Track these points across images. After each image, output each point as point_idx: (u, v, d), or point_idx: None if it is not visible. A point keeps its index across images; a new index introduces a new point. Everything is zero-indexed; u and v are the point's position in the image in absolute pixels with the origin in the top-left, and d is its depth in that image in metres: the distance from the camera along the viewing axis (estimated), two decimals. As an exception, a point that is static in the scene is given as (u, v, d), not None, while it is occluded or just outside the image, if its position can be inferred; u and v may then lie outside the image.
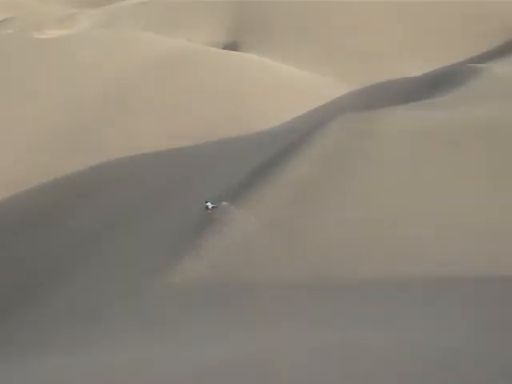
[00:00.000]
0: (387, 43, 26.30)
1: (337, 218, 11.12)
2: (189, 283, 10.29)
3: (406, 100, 17.00)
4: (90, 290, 11.61)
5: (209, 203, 12.00)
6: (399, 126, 13.13)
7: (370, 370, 6.46)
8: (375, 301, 8.97)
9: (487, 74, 17.70)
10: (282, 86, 22.08)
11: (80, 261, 13.22)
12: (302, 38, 27.01)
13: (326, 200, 11.60)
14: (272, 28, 27.65)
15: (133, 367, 7.32)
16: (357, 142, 12.85)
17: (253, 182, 12.53)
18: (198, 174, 15.34)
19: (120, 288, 11.03)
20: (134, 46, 23.23)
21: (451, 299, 8.73)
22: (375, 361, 6.59)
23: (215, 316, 9.32)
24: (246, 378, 6.61)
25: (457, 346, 6.88)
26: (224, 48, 26.67)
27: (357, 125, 13.36)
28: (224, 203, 11.82)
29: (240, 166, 14.41)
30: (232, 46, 26.95)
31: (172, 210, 13.56)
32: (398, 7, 27.71)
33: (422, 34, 26.51)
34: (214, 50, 24.84)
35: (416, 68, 22.85)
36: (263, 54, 25.31)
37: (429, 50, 25.86)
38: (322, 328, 8.01)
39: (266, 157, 13.70)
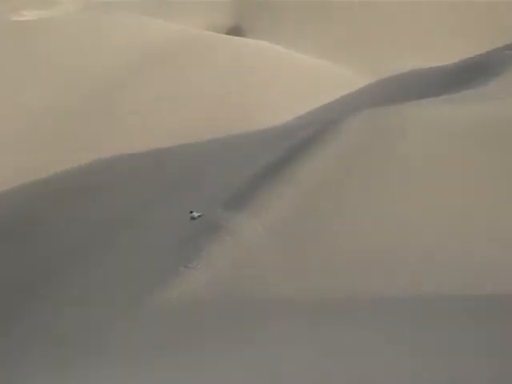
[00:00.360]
0: (413, 32, 26.52)
1: (354, 227, 10.95)
2: (185, 300, 10.16)
3: (435, 93, 16.70)
4: (77, 308, 11.56)
5: (194, 213, 12.07)
6: (425, 124, 12.94)
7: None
8: (391, 324, 8.84)
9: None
10: (296, 76, 21.98)
11: (64, 273, 13.16)
12: (317, 22, 27.20)
13: (342, 207, 11.46)
14: (281, 11, 27.81)
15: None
16: (377, 141, 12.68)
17: (260, 184, 12.46)
18: (198, 176, 15.22)
19: (113, 306, 10.91)
20: (130, 31, 23.07)
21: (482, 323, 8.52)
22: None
23: (214, 336, 9.28)
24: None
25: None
26: (227, 33, 26.46)
27: (377, 121, 13.22)
28: (222, 210, 11.86)
29: (246, 166, 14.32)
30: (236, 31, 26.87)
31: (169, 216, 13.42)
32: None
33: (453, 22, 26.64)
34: (217, 35, 24.62)
35: (446, 58, 22.80)
36: (271, 40, 25.14)
37: (461, 38, 25.83)
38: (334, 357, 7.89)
39: (276, 156, 13.61)
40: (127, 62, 20.63)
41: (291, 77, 22.02)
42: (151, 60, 20.81)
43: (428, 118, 13.20)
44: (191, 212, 12.13)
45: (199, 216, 12.10)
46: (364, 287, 9.75)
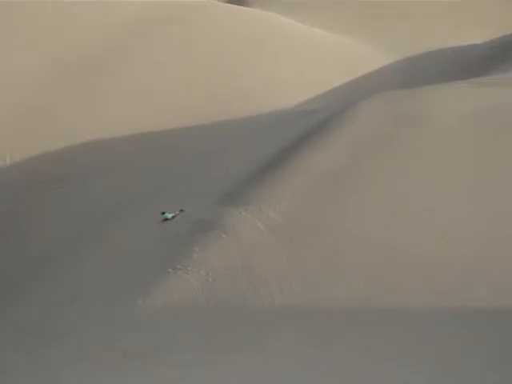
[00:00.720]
0: (442, 9, 26.27)
1: (365, 227, 10.85)
2: (172, 306, 10.12)
3: (459, 76, 16.77)
4: (62, 308, 11.47)
5: (166, 213, 12.07)
6: (446, 109, 12.85)
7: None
8: (394, 333, 9.00)
9: None
10: (307, 53, 21.87)
11: (48, 272, 13.01)
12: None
13: (357, 202, 11.37)
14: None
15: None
16: (394, 128, 12.61)
17: (263, 175, 12.43)
18: (194, 166, 15.11)
19: (96, 311, 10.88)
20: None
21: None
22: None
23: (203, 343, 9.36)
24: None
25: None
26: (228, 2, 26.47)
27: (395, 106, 13.18)
28: (216, 204, 11.79)
29: (248, 154, 14.28)
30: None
31: (159, 212, 13.07)
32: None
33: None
34: (218, 4, 24.45)
35: (473, 38, 22.63)
36: (278, 11, 25.13)
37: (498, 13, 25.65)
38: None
39: (284, 143, 13.59)
40: (117, 35, 20.43)
41: (304, 52, 21.98)
42: (145, 30, 20.78)
43: (453, 104, 13.08)
44: (163, 213, 12.13)
45: (174, 216, 12.05)
46: (372, 293, 9.73)
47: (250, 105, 17.89)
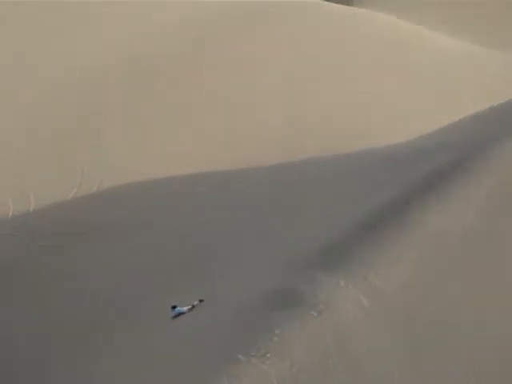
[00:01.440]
0: None
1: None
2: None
3: None
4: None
5: (179, 308, 12.17)
6: None
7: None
8: None
9: None
10: (428, 67, 22.31)
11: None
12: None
13: (490, 274, 11.37)
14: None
15: None
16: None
17: (369, 234, 12.34)
18: (273, 217, 15.20)
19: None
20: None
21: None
22: None
23: None
24: None
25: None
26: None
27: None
28: (306, 271, 11.63)
29: (349, 205, 14.19)
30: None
31: (232, 279, 13.23)
32: None
33: None
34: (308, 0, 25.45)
35: None
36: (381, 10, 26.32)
37: None
38: None
39: (396, 191, 13.63)
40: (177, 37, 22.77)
41: (424, 65, 22.42)
42: (219, 31, 22.60)
43: None
44: (174, 307, 12.23)
45: (191, 309, 12.18)
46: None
47: (350, 136, 18.48)
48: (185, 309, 12.19)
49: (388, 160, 16.67)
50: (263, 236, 14.55)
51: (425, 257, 11.67)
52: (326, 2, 25.80)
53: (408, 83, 21.40)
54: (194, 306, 12.18)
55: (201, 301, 12.22)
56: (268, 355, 10.41)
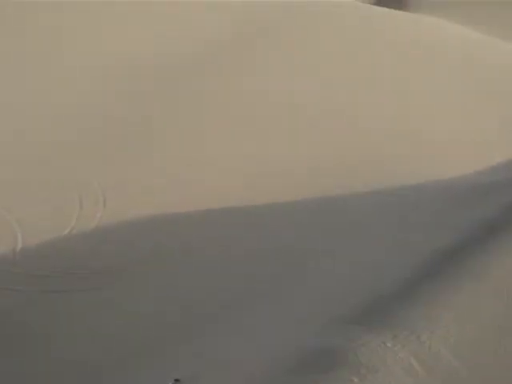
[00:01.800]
0: None
1: None
2: None
3: None
4: None
5: None
6: None
7: None
8: None
9: None
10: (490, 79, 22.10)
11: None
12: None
13: None
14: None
15: None
16: None
17: (422, 286, 11.70)
18: (307, 264, 14.44)
19: None
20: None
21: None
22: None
23: None
24: None
25: None
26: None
27: None
28: (352, 328, 10.89)
29: (404, 252, 13.39)
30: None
31: (260, 335, 12.16)
32: None
33: None
34: (363, 5, 26.52)
35: None
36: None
37: None
38: None
39: (458, 236, 13.26)
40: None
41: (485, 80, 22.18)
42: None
43: None
44: (176, 380, 11.34)
45: None
46: None
47: (393, 170, 17.89)
48: None
49: (439, 199, 16.33)
50: (300, 283, 13.80)
51: (490, 314, 10.75)
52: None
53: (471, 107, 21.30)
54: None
55: (176, 381, 11.33)
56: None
